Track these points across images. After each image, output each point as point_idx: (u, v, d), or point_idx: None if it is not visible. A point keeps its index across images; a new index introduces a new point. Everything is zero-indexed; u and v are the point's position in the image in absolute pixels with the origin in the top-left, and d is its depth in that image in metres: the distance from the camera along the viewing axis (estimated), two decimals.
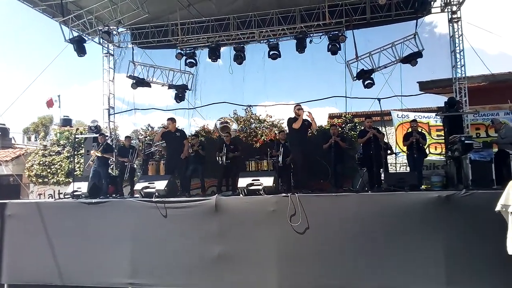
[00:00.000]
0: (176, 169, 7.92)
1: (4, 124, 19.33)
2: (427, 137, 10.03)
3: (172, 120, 7.94)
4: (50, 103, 17.10)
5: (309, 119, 7.18)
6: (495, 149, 7.07)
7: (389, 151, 8.60)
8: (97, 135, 9.25)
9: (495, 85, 9.86)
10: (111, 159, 9.30)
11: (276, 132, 10.87)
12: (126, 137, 9.77)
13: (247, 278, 5.74)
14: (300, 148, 7.19)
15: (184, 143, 8.00)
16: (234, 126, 10.31)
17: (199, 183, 9.13)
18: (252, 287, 5.73)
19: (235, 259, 5.83)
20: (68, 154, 13.92)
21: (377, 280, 5.30)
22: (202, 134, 12.22)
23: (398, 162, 8.34)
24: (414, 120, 8.35)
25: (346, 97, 9.84)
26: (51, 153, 14.26)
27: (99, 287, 6.32)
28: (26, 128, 30.32)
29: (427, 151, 9.66)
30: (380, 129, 7.83)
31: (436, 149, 9.92)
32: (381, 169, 7.56)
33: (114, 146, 11.10)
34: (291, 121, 7.20)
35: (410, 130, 8.22)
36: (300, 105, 7.36)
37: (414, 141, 7.70)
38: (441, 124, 9.63)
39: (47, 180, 13.91)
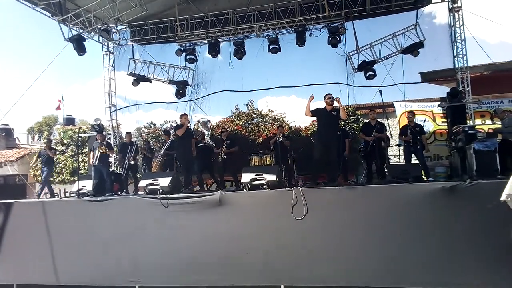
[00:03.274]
0: (189, 164, 7.87)
1: (7, 125, 19.37)
2: (432, 124, 10.00)
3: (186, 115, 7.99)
4: (58, 107, 19.20)
5: (338, 105, 6.52)
6: (500, 138, 7.01)
7: (388, 142, 8.53)
8: (96, 134, 9.26)
9: (497, 74, 9.77)
10: (111, 156, 9.39)
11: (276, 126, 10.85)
12: (127, 133, 9.84)
13: (252, 272, 5.78)
14: (321, 140, 6.57)
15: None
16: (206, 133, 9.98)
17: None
18: (257, 281, 5.76)
19: (240, 253, 5.86)
20: (72, 153, 14.01)
21: (380, 271, 5.32)
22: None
23: (401, 154, 8.27)
24: (411, 112, 8.08)
25: (348, 84, 9.91)
26: (55, 152, 14.31)
27: (107, 285, 6.38)
28: (30, 128, 30.40)
29: (432, 137, 9.74)
30: (382, 121, 7.78)
31: (441, 136, 9.84)
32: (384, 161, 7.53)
33: (116, 143, 11.12)
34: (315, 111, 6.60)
35: (406, 122, 8.09)
36: (331, 94, 6.60)
37: (411, 140, 7.52)
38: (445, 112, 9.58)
39: (52, 179, 13.96)
